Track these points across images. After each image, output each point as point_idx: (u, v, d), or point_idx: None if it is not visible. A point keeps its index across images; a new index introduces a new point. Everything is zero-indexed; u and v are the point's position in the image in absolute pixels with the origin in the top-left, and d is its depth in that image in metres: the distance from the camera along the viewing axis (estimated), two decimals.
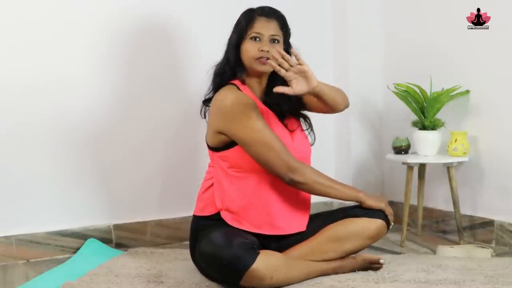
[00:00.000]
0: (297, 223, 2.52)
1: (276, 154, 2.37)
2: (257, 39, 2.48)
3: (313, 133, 2.69)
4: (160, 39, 3.28)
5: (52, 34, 3.04)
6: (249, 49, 2.47)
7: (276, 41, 2.50)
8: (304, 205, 2.56)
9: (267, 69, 2.49)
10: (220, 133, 2.44)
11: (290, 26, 2.59)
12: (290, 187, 2.48)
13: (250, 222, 2.44)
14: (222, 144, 2.46)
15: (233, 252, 2.22)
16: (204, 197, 2.53)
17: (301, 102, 2.66)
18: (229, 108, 2.39)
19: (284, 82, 2.45)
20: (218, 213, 2.48)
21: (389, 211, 2.53)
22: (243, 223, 2.44)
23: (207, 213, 2.51)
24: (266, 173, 2.44)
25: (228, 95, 2.43)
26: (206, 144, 2.58)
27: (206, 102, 2.59)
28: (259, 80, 2.56)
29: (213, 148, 2.50)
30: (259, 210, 2.44)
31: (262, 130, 2.39)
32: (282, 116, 2.58)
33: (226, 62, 2.54)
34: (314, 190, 2.45)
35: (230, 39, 2.56)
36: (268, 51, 2.45)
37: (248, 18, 2.51)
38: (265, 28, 2.48)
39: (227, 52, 2.56)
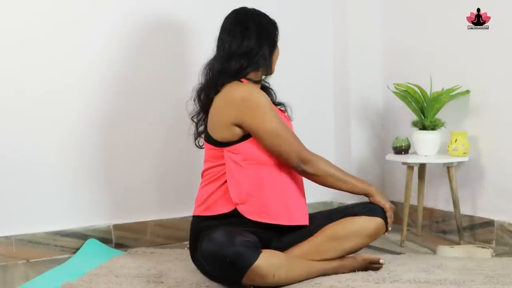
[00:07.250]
0: (306, 215, 2.55)
1: (289, 145, 2.44)
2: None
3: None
4: (158, 40, 3.29)
5: (48, 33, 3.04)
6: (277, 55, 2.63)
7: None
8: (304, 198, 2.60)
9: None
10: (236, 125, 2.44)
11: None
12: (302, 178, 2.56)
13: (268, 214, 2.44)
14: (236, 137, 2.46)
15: (236, 249, 2.22)
16: (214, 198, 2.48)
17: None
18: (244, 100, 2.42)
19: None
20: (226, 213, 2.45)
21: (390, 214, 2.54)
22: (262, 216, 2.44)
23: (212, 212, 2.47)
24: (281, 164, 2.48)
25: (241, 88, 2.45)
26: (206, 143, 2.55)
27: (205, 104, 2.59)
28: (259, 80, 2.59)
29: (223, 143, 2.47)
30: (277, 201, 2.45)
31: (276, 121, 2.44)
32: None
33: (256, 68, 2.52)
34: (327, 182, 2.51)
35: (265, 49, 2.53)
36: None
37: (277, 30, 2.61)
38: None
39: (261, 59, 2.53)
